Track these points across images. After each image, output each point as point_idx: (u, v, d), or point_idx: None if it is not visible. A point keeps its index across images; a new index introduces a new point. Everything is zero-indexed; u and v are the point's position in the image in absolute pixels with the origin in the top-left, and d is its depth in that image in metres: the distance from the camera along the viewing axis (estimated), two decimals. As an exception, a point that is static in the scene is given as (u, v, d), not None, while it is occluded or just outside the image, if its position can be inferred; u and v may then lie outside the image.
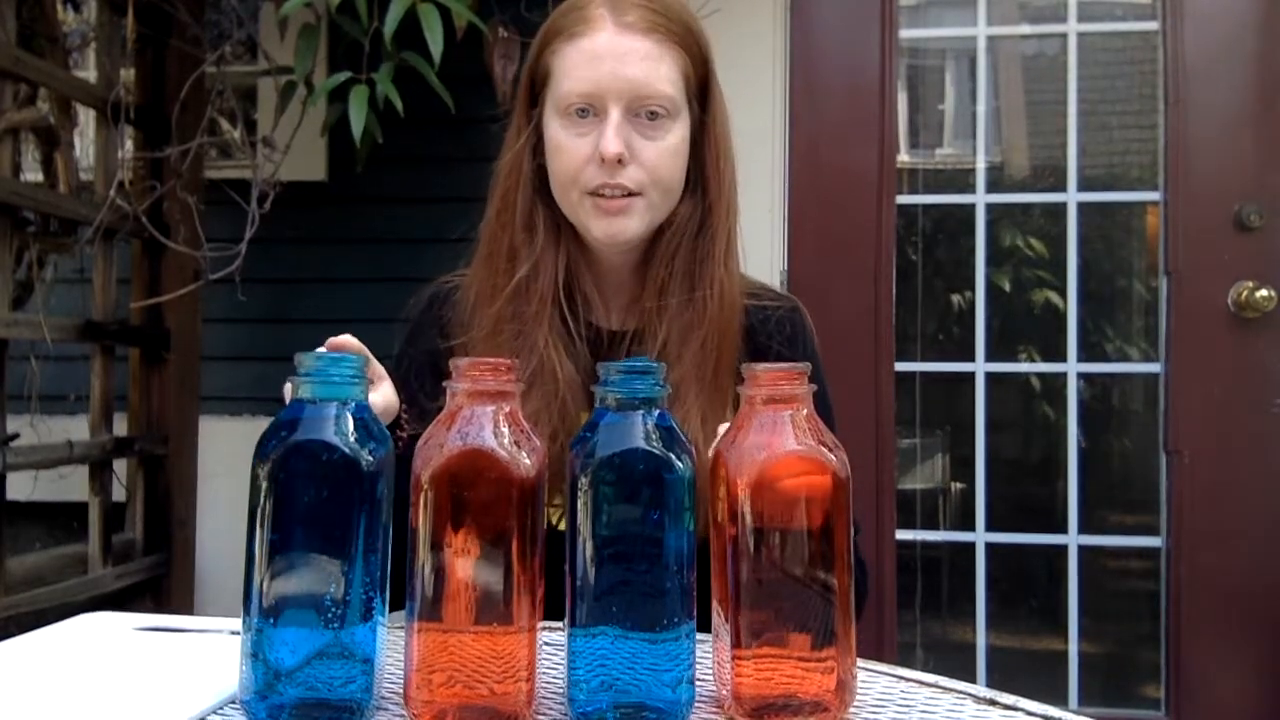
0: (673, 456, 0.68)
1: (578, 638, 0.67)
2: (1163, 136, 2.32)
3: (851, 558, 0.71)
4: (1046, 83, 2.53)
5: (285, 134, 2.16)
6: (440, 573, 0.67)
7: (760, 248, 2.27)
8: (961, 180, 2.52)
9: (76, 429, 2.13)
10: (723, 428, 0.79)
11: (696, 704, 0.70)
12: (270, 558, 0.66)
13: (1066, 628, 2.33)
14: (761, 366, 0.73)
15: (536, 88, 1.12)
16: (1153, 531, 2.31)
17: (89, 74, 2.34)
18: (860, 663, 0.75)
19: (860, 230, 2.36)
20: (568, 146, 1.07)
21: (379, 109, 1.96)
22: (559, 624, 0.70)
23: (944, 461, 2.52)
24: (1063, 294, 2.38)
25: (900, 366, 2.38)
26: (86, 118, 2.40)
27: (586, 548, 0.67)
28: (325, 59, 2.22)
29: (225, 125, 2.47)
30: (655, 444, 0.68)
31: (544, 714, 0.71)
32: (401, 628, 0.69)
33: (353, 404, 0.69)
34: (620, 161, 1.04)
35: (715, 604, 0.73)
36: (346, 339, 0.90)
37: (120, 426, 2.17)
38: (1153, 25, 2.36)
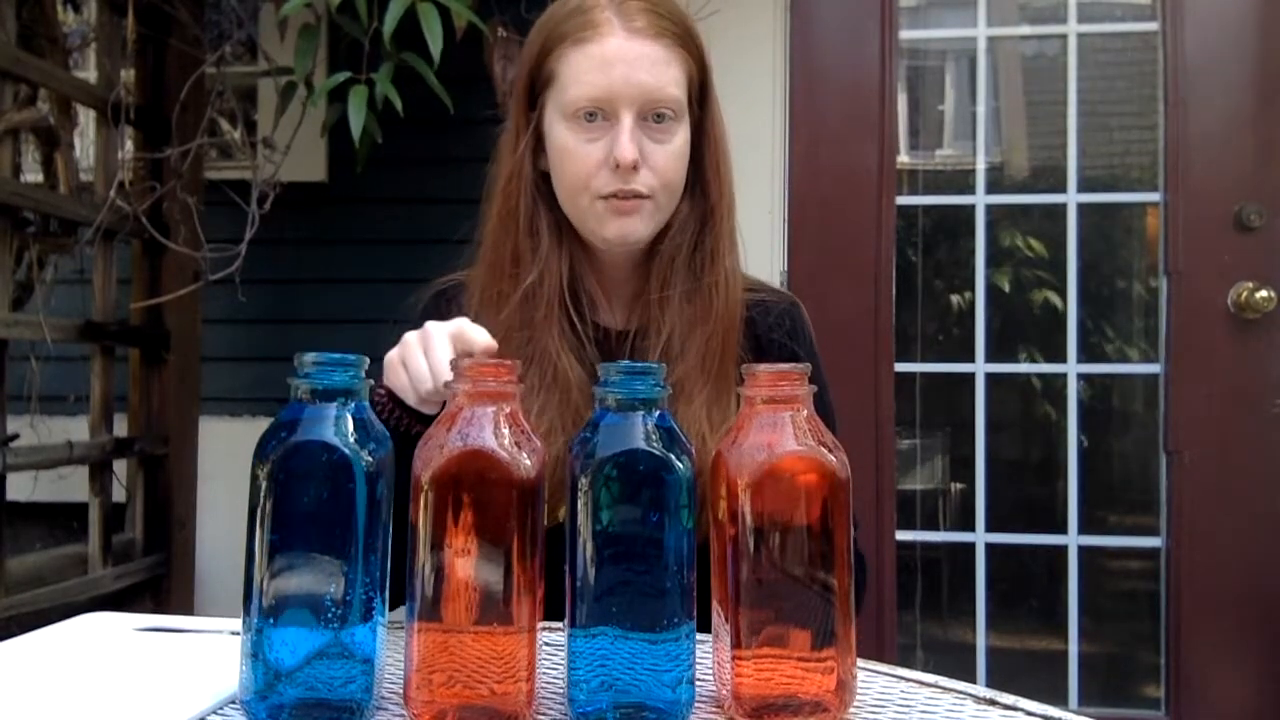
0: (672, 457, 0.68)
1: (578, 638, 0.67)
2: (1163, 137, 2.32)
3: (851, 558, 0.71)
4: (1046, 83, 2.53)
5: (285, 134, 2.16)
6: (440, 573, 0.67)
7: (760, 248, 2.27)
8: (961, 181, 2.52)
9: (76, 429, 2.12)
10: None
11: (696, 704, 0.70)
12: (270, 558, 0.66)
13: (1066, 628, 2.33)
14: (762, 367, 0.73)
15: (536, 91, 1.11)
16: (1152, 532, 2.31)
17: (89, 74, 2.34)
18: (860, 663, 0.75)
19: (860, 231, 2.36)
20: (578, 152, 1.06)
21: (378, 109, 1.96)
22: (559, 624, 0.70)
23: (944, 462, 2.52)
24: (1062, 294, 2.38)
25: (900, 367, 2.38)
26: (86, 118, 2.40)
27: (586, 548, 0.67)
28: (325, 59, 2.22)
29: (225, 126, 2.47)
30: (655, 445, 0.68)
31: (544, 714, 0.71)
32: (401, 627, 0.69)
33: (353, 404, 0.69)
34: (634, 167, 1.04)
35: (715, 604, 0.73)
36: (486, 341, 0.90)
37: (120, 427, 2.17)
38: (1153, 26, 2.36)
